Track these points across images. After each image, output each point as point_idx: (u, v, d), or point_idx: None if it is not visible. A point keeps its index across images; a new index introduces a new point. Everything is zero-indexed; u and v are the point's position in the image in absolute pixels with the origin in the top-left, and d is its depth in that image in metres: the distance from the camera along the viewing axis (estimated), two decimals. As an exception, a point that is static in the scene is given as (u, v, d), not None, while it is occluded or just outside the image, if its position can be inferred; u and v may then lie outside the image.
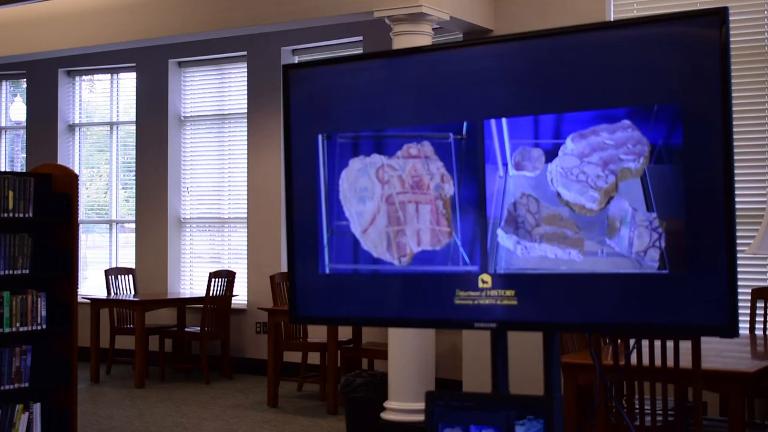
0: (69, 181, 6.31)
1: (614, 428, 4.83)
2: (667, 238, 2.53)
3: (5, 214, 5.95)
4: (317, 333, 9.04)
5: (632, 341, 4.69)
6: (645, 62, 2.58)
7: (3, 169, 12.22)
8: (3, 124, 12.50)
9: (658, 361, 4.64)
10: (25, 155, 12.15)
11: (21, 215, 6.03)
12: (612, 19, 7.48)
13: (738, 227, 2.57)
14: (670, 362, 4.60)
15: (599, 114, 2.63)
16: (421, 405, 6.64)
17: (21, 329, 5.95)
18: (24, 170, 11.15)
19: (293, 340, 8.76)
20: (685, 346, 4.59)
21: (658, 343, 4.66)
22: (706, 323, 2.51)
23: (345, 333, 8.74)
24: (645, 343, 4.75)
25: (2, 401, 5.92)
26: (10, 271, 5.98)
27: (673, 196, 2.53)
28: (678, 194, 2.52)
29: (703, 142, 2.50)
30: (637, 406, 4.86)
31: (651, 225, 2.55)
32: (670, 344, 4.61)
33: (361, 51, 9.46)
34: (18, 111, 12.38)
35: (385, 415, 7.06)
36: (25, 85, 12.20)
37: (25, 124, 12.15)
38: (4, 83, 12.54)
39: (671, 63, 2.55)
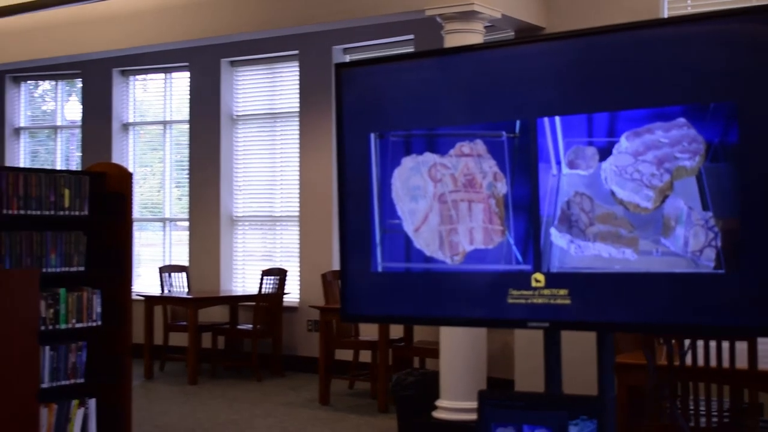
0: (123, 180, 6.37)
1: (666, 429, 4.78)
2: (723, 238, 2.50)
3: (61, 213, 6.02)
4: (368, 331, 9.04)
5: (687, 341, 4.64)
6: (700, 60, 2.56)
7: (59, 168, 12.38)
8: (59, 124, 12.68)
9: (713, 362, 4.58)
10: (80, 154, 12.31)
11: (76, 213, 6.10)
12: (666, 16, 7.40)
13: (795, 226, 2.52)
14: (726, 363, 4.54)
15: (654, 112, 2.60)
16: (473, 404, 6.62)
17: (77, 326, 6.02)
18: (79, 169, 11.29)
19: (344, 338, 8.79)
20: (741, 346, 4.53)
21: (713, 344, 4.61)
22: (762, 324, 2.48)
23: (396, 331, 8.74)
24: (700, 343, 4.70)
25: (59, 396, 6.00)
26: (66, 269, 6.06)
27: (729, 194, 2.50)
28: (734, 193, 2.49)
29: (759, 140, 2.47)
30: (691, 407, 4.81)
31: (707, 224, 2.52)
32: (725, 345, 4.55)
33: (413, 49, 9.44)
34: (73, 110, 12.54)
35: (436, 414, 7.05)
36: (80, 85, 12.36)
37: (80, 124, 12.32)
38: (59, 83, 12.72)
39: (726, 60, 2.52)
